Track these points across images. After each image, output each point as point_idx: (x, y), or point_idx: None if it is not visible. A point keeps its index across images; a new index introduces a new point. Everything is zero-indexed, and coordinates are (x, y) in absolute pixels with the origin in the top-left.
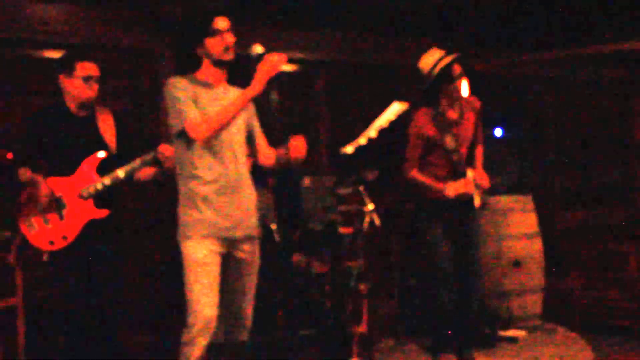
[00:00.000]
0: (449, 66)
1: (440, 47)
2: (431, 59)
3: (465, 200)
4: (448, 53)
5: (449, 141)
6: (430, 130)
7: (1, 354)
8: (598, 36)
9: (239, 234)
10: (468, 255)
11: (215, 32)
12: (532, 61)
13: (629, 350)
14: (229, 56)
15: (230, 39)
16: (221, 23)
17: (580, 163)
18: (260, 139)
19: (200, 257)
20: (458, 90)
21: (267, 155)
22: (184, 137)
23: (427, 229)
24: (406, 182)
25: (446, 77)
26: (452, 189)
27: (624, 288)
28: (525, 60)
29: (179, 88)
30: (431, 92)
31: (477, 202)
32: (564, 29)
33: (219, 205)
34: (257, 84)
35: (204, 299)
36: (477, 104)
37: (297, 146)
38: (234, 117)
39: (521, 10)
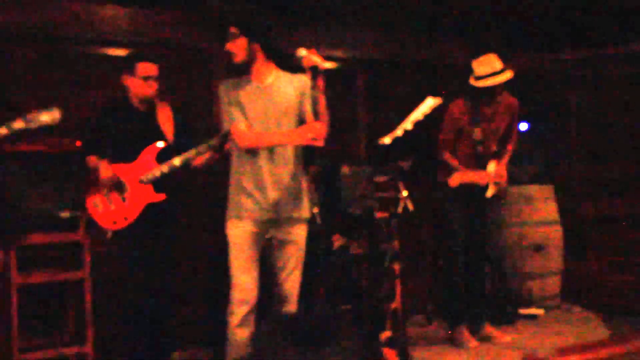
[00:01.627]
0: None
1: (497, 54)
2: (487, 68)
3: (479, 188)
4: (505, 68)
5: (478, 133)
6: (462, 121)
7: (71, 322)
8: (618, 37)
9: (272, 216)
10: (479, 238)
11: None
12: (556, 60)
13: None
14: None
15: None
16: None
17: (600, 156)
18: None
19: (236, 237)
20: (497, 100)
21: None
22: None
23: (445, 211)
24: (435, 168)
25: (491, 91)
26: (456, 178)
27: (638, 273)
28: (550, 60)
29: (222, 96)
30: (473, 90)
31: (489, 192)
32: (586, 30)
33: (252, 191)
34: (299, 138)
35: (240, 274)
36: (515, 104)
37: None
38: (275, 144)
39: (547, 14)
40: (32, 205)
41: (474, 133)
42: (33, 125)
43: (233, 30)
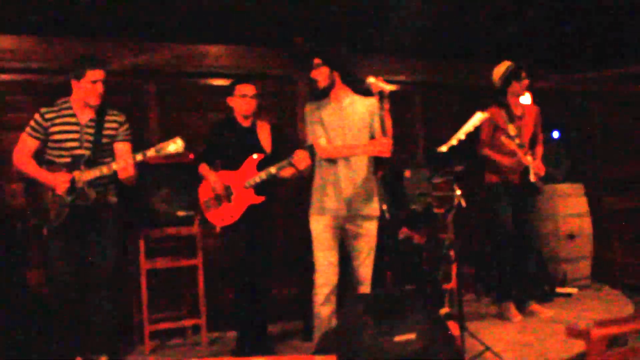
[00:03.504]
0: (516, 70)
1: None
2: (502, 68)
3: (521, 183)
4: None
5: (512, 129)
6: (498, 120)
7: (188, 300)
8: (635, 58)
9: (346, 213)
10: (525, 225)
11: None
12: (583, 79)
13: None
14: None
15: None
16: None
17: (620, 158)
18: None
19: (317, 229)
20: (521, 88)
21: None
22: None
23: (495, 203)
24: (482, 171)
25: (513, 77)
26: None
27: None
28: (578, 79)
29: (307, 115)
30: (501, 92)
31: (532, 177)
32: (609, 51)
33: (332, 192)
34: (370, 150)
35: (322, 261)
36: (536, 109)
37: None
38: (350, 155)
39: (576, 38)
40: (157, 205)
41: (509, 129)
42: (162, 153)
43: (317, 60)
